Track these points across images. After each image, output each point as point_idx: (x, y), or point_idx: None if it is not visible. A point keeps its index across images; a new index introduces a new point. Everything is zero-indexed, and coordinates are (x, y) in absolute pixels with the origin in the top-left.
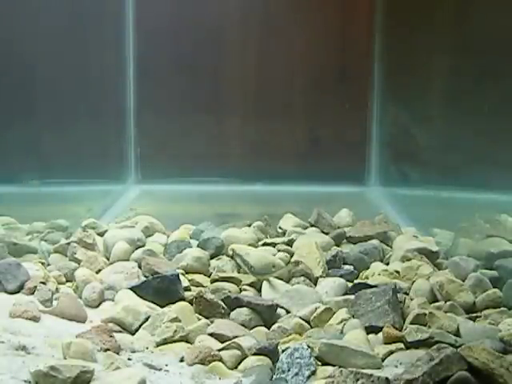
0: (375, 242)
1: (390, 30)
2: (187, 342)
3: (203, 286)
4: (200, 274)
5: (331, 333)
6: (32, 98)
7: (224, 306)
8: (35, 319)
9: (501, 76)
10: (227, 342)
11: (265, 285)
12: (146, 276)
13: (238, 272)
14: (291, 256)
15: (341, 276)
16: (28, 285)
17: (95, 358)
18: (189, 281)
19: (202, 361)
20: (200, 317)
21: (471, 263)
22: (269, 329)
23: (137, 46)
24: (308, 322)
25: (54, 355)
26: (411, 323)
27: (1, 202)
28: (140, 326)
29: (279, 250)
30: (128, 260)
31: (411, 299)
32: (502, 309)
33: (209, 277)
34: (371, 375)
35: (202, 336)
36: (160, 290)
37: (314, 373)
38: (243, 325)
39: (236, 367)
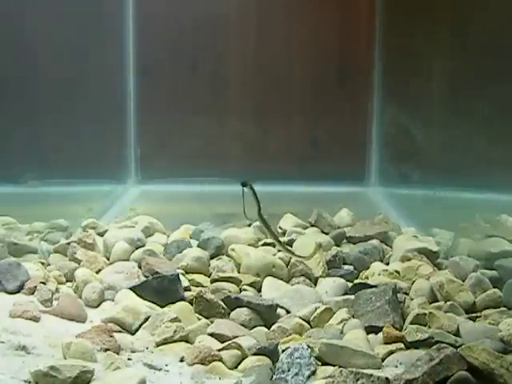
0: (375, 241)
1: (389, 29)
2: (187, 342)
3: (203, 286)
4: (200, 274)
5: (331, 333)
6: (32, 97)
7: (224, 306)
8: (35, 319)
9: (501, 76)
10: (227, 342)
11: (265, 284)
12: (146, 276)
13: (238, 272)
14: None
15: (341, 276)
16: (28, 285)
17: (95, 358)
18: (189, 281)
19: (202, 361)
20: (200, 317)
21: (471, 263)
22: (269, 329)
23: (137, 45)
24: (308, 322)
25: (54, 355)
26: (411, 323)
27: (1, 202)
28: (140, 326)
29: (279, 250)
30: (128, 260)
31: (411, 299)
32: (502, 309)
33: (209, 277)
34: (371, 375)
35: (202, 336)
36: (160, 290)
37: (313, 373)
38: (243, 325)
39: (236, 367)
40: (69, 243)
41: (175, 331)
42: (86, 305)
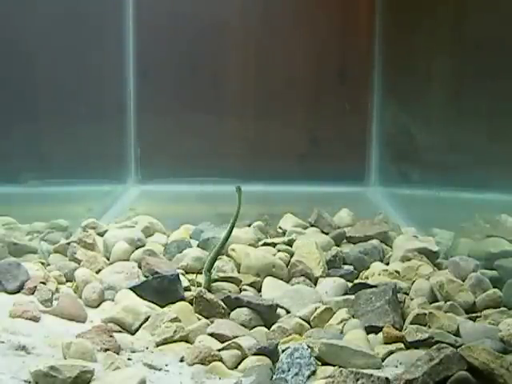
0: (375, 242)
1: (389, 30)
2: (187, 342)
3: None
4: (200, 274)
5: (331, 333)
6: (32, 97)
7: (224, 306)
8: (35, 319)
9: (500, 76)
10: (227, 342)
11: (265, 284)
12: (146, 276)
13: (238, 272)
14: (291, 256)
15: (341, 276)
16: (28, 285)
17: (95, 358)
18: (189, 281)
19: (202, 361)
20: (200, 317)
21: (471, 263)
22: (269, 329)
23: (137, 45)
24: (308, 322)
25: (54, 355)
26: (411, 323)
27: (1, 202)
28: (140, 326)
29: (279, 250)
30: (128, 260)
31: (411, 299)
32: (502, 309)
33: None
34: (371, 375)
35: (202, 336)
36: (160, 289)
37: (314, 373)
38: (243, 325)
39: (236, 367)
40: (69, 243)
41: (175, 331)
42: (85, 305)
